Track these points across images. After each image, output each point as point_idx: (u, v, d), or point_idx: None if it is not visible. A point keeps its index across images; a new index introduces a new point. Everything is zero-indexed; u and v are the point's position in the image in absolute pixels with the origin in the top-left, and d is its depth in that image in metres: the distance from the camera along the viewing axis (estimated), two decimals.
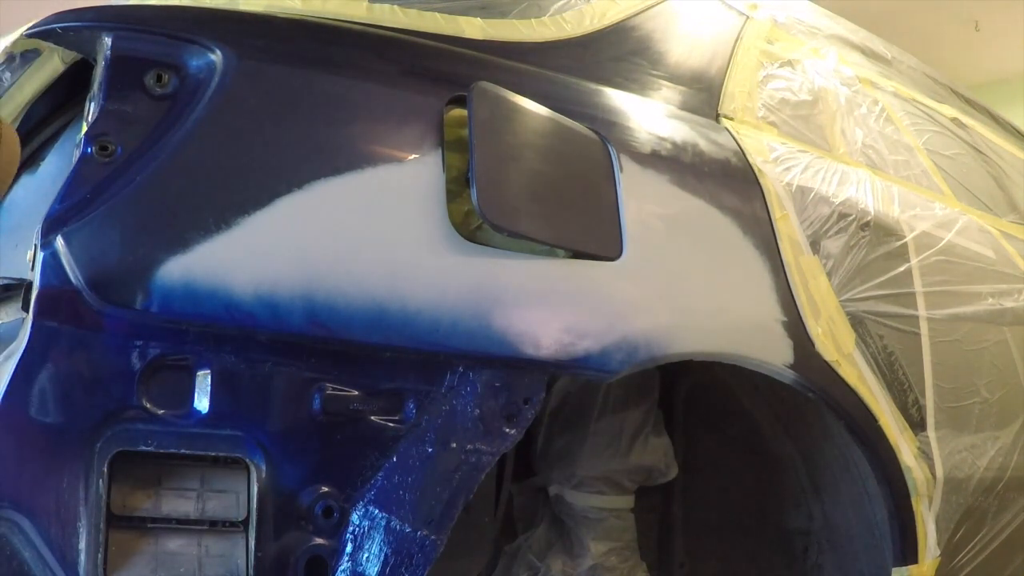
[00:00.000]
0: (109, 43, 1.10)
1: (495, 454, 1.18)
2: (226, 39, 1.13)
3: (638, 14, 1.63)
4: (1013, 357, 1.87)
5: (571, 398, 1.72)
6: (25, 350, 1.00)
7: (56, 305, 1.01)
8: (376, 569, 1.11)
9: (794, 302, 1.45)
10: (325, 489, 1.10)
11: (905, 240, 1.68)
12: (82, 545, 1.00)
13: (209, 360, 1.06)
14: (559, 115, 1.31)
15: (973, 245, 1.88)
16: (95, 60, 1.13)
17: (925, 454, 1.60)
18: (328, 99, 1.16)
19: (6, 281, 1.17)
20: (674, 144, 1.43)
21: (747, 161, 1.51)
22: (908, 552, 1.57)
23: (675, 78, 1.61)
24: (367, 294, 1.10)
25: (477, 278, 1.16)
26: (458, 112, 1.22)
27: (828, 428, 1.61)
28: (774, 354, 1.42)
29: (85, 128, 1.08)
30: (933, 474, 1.60)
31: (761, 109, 1.69)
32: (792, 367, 1.42)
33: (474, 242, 1.17)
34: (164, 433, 1.05)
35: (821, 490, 1.74)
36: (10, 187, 1.07)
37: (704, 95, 1.63)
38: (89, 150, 1.06)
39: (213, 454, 1.07)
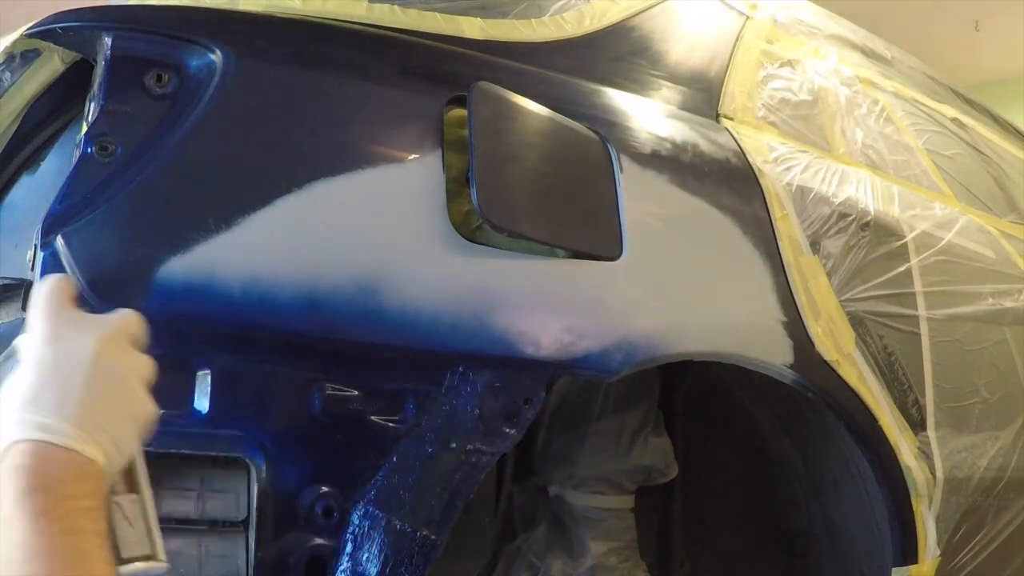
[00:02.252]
0: (109, 43, 1.10)
1: (495, 454, 1.18)
2: (226, 39, 1.13)
3: (638, 14, 1.63)
4: (1013, 357, 1.86)
5: (571, 398, 1.72)
6: None
7: None
8: (376, 569, 1.10)
9: (794, 302, 1.45)
10: (325, 489, 1.10)
11: (905, 240, 1.67)
12: None
13: (209, 360, 1.06)
14: (559, 115, 1.31)
15: (973, 245, 1.88)
16: (95, 60, 1.13)
17: (925, 454, 1.60)
18: (328, 99, 1.16)
19: (6, 281, 1.17)
20: (674, 144, 1.43)
21: (747, 161, 1.51)
22: (908, 552, 1.57)
23: (675, 78, 1.61)
24: (367, 294, 1.10)
25: (477, 278, 1.16)
26: (458, 112, 1.22)
27: (828, 428, 1.61)
28: (774, 354, 1.42)
29: (85, 128, 1.08)
30: (933, 474, 1.60)
31: (761, 109, 1.69)
32: (792, 367, 1.42)
33: (474, 242, 1.17)
34: (164, 433, 1.04)
35: (821, 490, 1.74)
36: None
37: (704, 95, 1.63)
38: (89, 150, 1.05)
39: (213, 454, 1.07)
